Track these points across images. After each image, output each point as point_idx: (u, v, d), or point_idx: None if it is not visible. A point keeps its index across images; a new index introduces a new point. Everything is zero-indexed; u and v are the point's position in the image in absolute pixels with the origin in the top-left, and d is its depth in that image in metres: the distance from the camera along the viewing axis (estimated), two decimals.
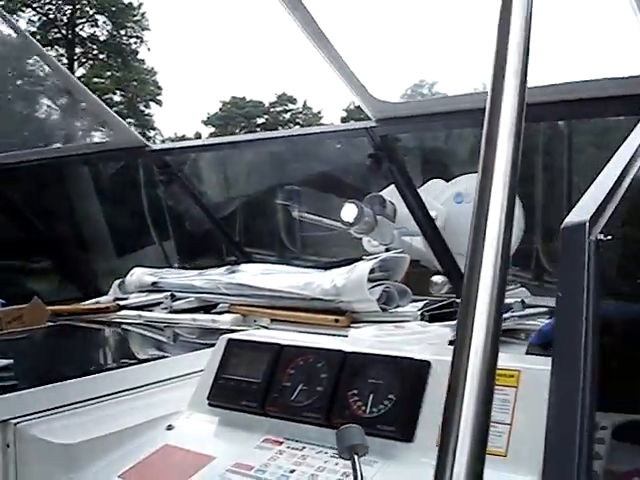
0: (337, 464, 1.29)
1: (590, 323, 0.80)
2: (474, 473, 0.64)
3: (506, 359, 1.43)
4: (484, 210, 0.68)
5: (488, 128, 0.72)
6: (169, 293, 2.68)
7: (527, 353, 1.71)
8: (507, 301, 2.28)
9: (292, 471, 1.30)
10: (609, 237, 0.84)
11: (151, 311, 2.65)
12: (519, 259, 2.87)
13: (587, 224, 0.83)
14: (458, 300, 2.27)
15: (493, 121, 0.71)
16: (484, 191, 0.69)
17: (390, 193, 2.60)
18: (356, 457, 1.06)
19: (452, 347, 0.73)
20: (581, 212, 0.87)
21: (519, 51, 0.73)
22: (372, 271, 2.20)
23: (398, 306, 2.23)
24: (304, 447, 1.37)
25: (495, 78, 0.73)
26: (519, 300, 2.21)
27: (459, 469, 0.64)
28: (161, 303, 2.66)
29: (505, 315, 2.14)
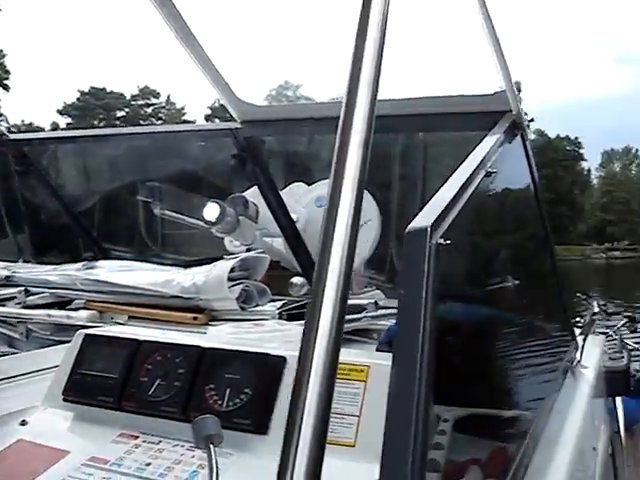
0: (193, 457, 1.32)
1: (428, 321, 0.86)
2: (315, 457, 0.70)
3: (357, 355, 1.51)
4: (333, 215, 0.74)
5: (341, 137, 0.77)
6: (23, 288, 2.59)
7: (377, 350, 1.80)
8: (361, 302, 2.38)
9: (148, 464, 1.32)
10: (448, 241, 0.91)
11: (3, 306, 2.56)
12: (375, 263, 2.97)
13: (429, 229, 0.91)
14: None
15: (345, 130, 0.77)
16: (334, 197, 0.74)
17: (253, 194, 2.64)
18: (212, 447, 1.09)
19: None
20: (424, 218, 0.95)
21: (372, 65, 0.79)
22: (232, 270, 2.24)
23: (257, 305, 2.28)
24: (160, 441, 1.39)
25: (350, 90, 0.78)
26: (372, 302, 2.31)
27: (302, 456, 0.69)
28: (14, 298, 2.58)
29: (359, 315, 2.23)
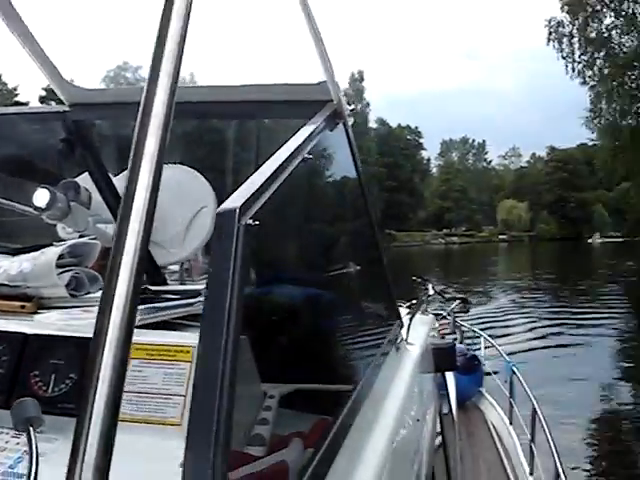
0: (18, 443, 1.30)
1: (235, 299, 0.90)
2: (107, 432, 0.73)
3: (184, 337, 1.54)
4: (131, 193, 0.76)
5: (141, 118, 0.80)
6: None
7: None
8: (197, 287, 2.41)
9: None
10: (257, 222, 0.96)
11: None
12: None
13: (238, 210, 0.95)
14: (149, 287, 2.35)
15: (146, 113, 0.80)
16: (133, 177, 0.77)
17: (87, 179, 2.59)
18: (31, 430, 1.08)
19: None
20: (235, 200, 0.99)
21: (174, 48, 0.82)
22: (62, 257, 2.19)
23: (88, 292, 2.24)
24: None
25: (151, 72, 0.82)
26: None
27: (94, 433, 0.72)
28: None
29: (193, 300, 2.25)
